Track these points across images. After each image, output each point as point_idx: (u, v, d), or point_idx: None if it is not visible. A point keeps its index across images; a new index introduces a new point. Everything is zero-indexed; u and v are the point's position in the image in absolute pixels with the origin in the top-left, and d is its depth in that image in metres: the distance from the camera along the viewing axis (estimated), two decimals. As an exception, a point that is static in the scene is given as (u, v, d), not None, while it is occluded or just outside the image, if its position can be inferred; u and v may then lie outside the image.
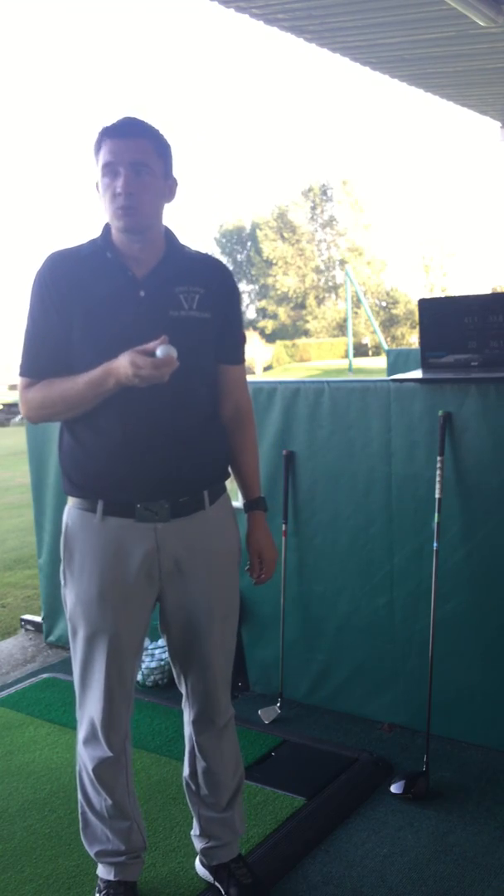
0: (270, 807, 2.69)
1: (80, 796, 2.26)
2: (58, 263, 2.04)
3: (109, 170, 1.94)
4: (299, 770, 2.91)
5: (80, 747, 2.22)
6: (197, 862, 2.42)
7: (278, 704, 3.37)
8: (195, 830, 2.37)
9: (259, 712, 3.33)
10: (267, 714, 3.31)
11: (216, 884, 2.33)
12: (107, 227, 2.06)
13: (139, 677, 3.63)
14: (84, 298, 2.00)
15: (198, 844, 2.37)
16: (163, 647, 3.66)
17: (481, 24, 5.96)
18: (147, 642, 3.71)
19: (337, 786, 2.79)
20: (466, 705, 3.03)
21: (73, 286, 2.01)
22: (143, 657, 3.61)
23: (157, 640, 3.73)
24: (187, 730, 2.31)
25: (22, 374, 2.07)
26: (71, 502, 2.11)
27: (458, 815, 2.65)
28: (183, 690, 2.29)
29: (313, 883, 2.38)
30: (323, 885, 2.37)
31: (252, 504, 2.29)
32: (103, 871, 2.29)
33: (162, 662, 3.62)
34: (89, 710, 2.17)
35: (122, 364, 1.87)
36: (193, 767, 2.30)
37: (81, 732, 2.21)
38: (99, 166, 1.96)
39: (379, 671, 3.22)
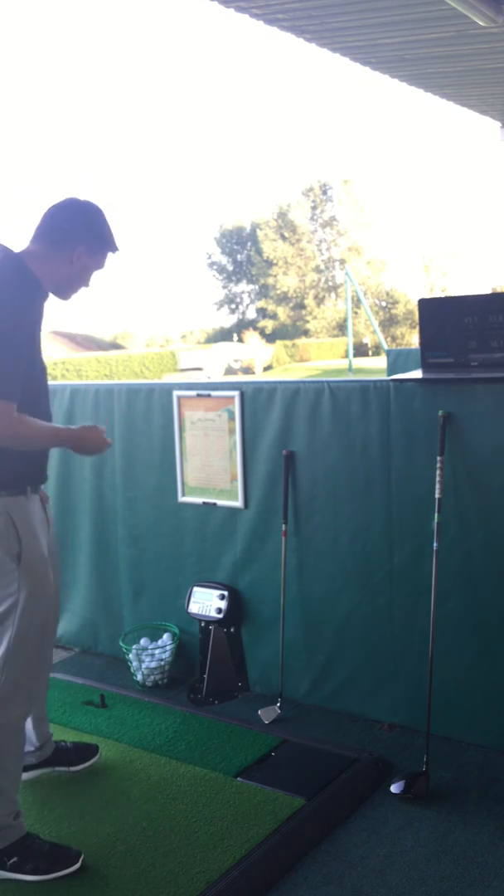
0: (270, 807, 2.69)
1: None
2: (32, 287, 2.42)
3: (95, 270, 2.59)
4: (299, 770, 2.91)
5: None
6: None
7: (278, 704, 3.37)
8: None
9: (259, 712, 3.33)
10: (267, 714, 3.32)
11: None
12: (21, 258, 2.44)
13: (139, 677, 3.63)
14: (37, 326, 2.48)
15: None
16: (162, 646, 3.66)
17: (481, 24, 5.98)
18: (147, 642, 3.71)
19: (337, 786, 2.79)
20: (466, 705, 3.03)
21: (37, 313, 2.47)
22: (143, 657, 3.61)
23: (156, 640, 3.73)
24: None
25: (10, 399, 2.31)
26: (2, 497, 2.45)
27: (458, 815, 2.65)
28: None
29: (313, 883, 2.39)
30: (323, 885, 2.38)
31: None
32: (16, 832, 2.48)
33: (162, 662, 3.62)
34: (28, 682, 2.52)
35: (95, 439, 2.56)
36: None
37: (14, 707, 2.48)
38: (91, 259, 2.55)
39: (379, 671, 3.22)
